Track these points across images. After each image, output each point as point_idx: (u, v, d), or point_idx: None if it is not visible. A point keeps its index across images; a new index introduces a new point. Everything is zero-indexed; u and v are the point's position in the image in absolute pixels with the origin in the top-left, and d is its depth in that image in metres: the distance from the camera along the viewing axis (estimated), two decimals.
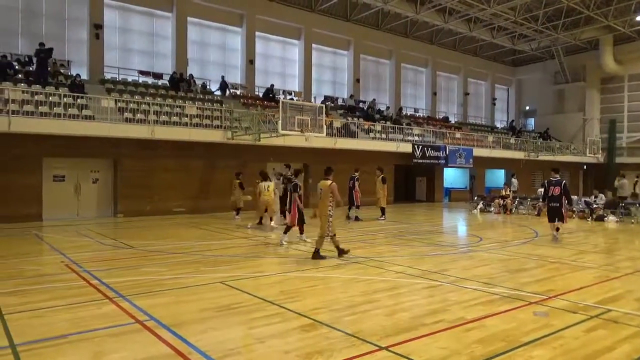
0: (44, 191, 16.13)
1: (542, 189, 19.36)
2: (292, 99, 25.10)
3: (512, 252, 10.36)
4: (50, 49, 18.06)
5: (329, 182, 9.34)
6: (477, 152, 28.69)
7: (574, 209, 18.22)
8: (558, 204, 12.16)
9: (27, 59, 18.70)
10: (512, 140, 33.17)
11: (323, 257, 9.14)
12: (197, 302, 6.09)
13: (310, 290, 6.80)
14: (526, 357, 4.33)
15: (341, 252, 9.26)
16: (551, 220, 12.39)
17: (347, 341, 4.69)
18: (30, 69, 18.40)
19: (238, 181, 16.42)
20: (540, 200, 16.46)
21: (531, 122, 42.40)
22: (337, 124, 23.51)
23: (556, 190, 12.14)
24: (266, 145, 19.65)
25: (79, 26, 21.17)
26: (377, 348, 4.50)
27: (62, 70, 19.55)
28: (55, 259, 9.15)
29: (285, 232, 11.19)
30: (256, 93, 25.76)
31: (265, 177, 14.05)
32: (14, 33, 19.60)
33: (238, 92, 25.06)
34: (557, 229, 12.29)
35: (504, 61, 40.10)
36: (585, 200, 19.39)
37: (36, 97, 16.47)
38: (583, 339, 4.83)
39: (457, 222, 18.30)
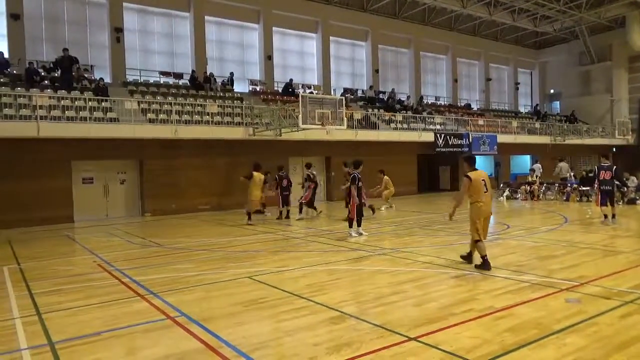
0: (74, 193, 16.57)
1: (567, 173, 19.44)
2: (311, 92, 25.08)
3: (541, 239, 10.17)
4: (71, 57, 18.59)
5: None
6: (502, 138, 28.14)
7: (623, 190, 17.91)
8: (611, 188, 12.53)
9: (52, 66, 19.17)
10: (537, 125, 32.40)
11: (487, 267, 7.26)
12: (225, 297, 6.19)
13: (336, 283, 6.82)
14: (559, 345, 4.25)
15: (470, 258, 7.67)
16: (603, 204, 12.56)
17: (376, 332, 4.69)
18: (56, 74, 18.85)
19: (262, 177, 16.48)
20: (579, 186, 17.03)
21: (556, 105, 41.35)
22: (358, 115, 23.39)
23: (607, 175, 12.46)
24: (287, 140, 19.71)
25: (100, 30, 21.56)
26: (406, 339, 4.49)
27: (85, 75, 19.97)
28: (87, 258, 9.41)
29: (350, 226, 11.15)
30: (275, 88, 25.83)
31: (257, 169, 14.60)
32: (38, 40, 20.11)
33: (257, 89, 25.18)
34: (614, 216, 12.38)
35: (526, 44, 39.13)
36: (616, 184, 18.82)
37: (62, 102, 16.89)
38: (618, 326, 4.72)
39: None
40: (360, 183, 11.06)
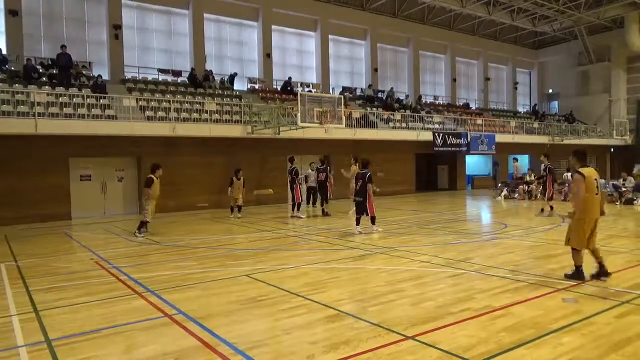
0: (71, 191, 16.54)
1: (522, 173, 20.90)
2: (310, 91, 25.06)
3: (538, 239, 10.20)
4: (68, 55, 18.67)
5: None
6: (500, 137, 28.19)
7: (621, 190, 18.44)
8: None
9: (50, 62, 19.11)
10: (536, 125, 32.48)
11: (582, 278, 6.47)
12: (223, 295, 6.19)
13: (334, 282, 6.82)
14: (555, 344, 4.27)
15: (603, 273, 6.44)
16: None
17: (373, 331, 4.70)
18: (54, 71, 18.80)
19: (239, 179, 15.55)
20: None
21: (554, 105, 41.42)
22: (356, 114, 23.39)
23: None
24: (286, 139, 19.70)
25: (98, 27, 21.50)
26: (403, 337, 4.50)
27: (84, 72, 19.92)
28: (85, 256, 9.39)
29: (373, 223, 11.44)
30: (274, 86, 25.81)
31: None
32: (36, 37, 20.03)
33: (256, 87, 25.15)
34: (542, 210, 14.27)
35: (525, 44, 39.17)
36: (613, 184, 18.94)
37: (60, 99, 16.85)
38: (614, 325, 4.73)
39: (481, 210, 18.09)
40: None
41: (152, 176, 11.83)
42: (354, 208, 12.67)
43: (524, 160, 32.67)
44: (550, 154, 15.82)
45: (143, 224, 11.88)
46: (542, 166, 14.90)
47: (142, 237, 11.55)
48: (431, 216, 15.20)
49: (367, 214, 11.38)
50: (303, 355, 4.17)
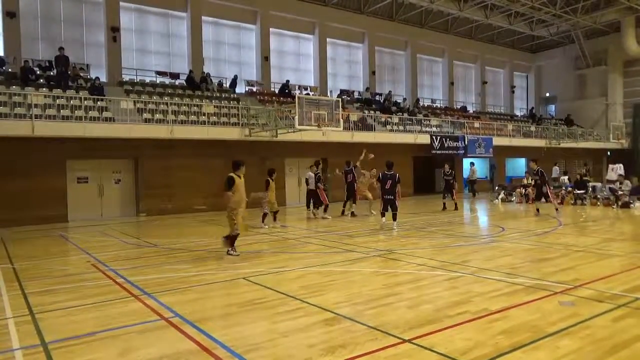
0: (68, 193, 16.51)
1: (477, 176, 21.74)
2: (308, 93, 25.10)
3: (536, 242, 10.21)
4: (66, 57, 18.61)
5: None
6: (497, 141, 28.25)
7: (599, 195, 18.86)
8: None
9: (47, 64, 19.09)
10: (533, 128, 32.58)
11: None
12: (220, 298, 6.17)
13: (331, 285, 6.81)
14: (553, 348, 4.27)
15: None
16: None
17: (370, 334, 4.69)
18: (52, 73, 18.77)
19: (273, 180, 13.66)
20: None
21: (552, 108, 41.57)
22: (354, 117, 23.42)
23: None
24: (284, 141, 19.71)
25: (96, 30, 21.51)
26: (401, 340, 4.49)
27: (81, 74, 19.90)
28: (81, 258, 9.36)
29: (394, 219, 12.67)
30: (272, 89, 25.84)
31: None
32: (34, 39, 20.01)
33: (254, 89, 25.17)
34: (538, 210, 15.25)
35: (522, 48, 39.33)
36: (610, 187, 19.01)
37: (58, 101, 16.82)
38: (611, 328, 4.74)
39: (479, 213, 18.11)
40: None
41: (232, 174, 9.11)
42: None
43: (520, 164, 32.76)
44: (538, 158, 16.91)
45: (230, 238, 9.22)
46: (533, 171, 15.53)
47: (237, 254, 9.14)
48: (429, 219, 15.20)
49: (393, 210, 12.63)
50: (300, 358, 4.16)
